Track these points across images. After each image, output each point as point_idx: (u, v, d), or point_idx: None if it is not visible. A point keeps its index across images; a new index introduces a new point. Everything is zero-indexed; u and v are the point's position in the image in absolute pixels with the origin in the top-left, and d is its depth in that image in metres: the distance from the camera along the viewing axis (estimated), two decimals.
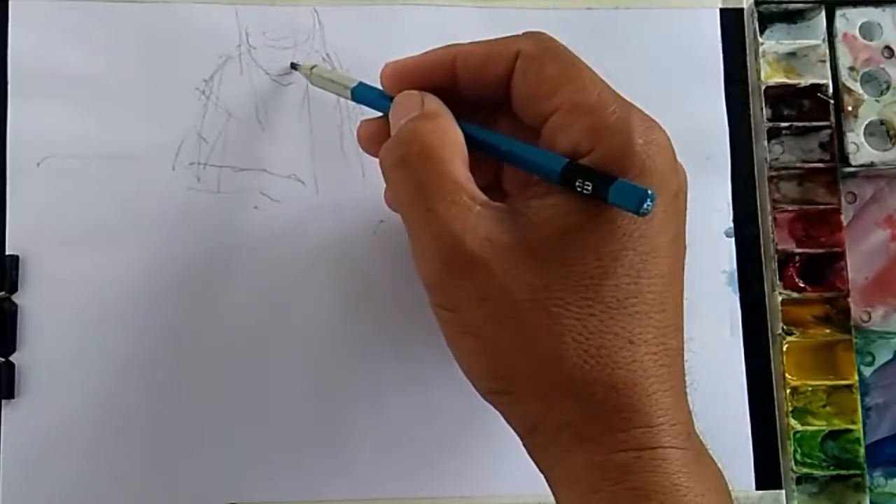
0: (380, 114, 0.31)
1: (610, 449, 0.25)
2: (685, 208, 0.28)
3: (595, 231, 0.25)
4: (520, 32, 0.29)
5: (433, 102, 0.28)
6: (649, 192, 0.24)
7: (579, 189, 0.25)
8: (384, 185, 0.29)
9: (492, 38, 0.29)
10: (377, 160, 0.28)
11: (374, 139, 0.30)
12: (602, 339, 0.25)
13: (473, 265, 0.26)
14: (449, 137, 0.27)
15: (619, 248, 0.25)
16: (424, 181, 0.26)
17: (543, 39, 0.28)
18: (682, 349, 0.27)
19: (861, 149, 0.38)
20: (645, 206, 0.24)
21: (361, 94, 0.32)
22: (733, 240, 0.37)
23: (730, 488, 0.27)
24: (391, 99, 0.30)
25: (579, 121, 0.26)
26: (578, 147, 0.26)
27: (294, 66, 0.36)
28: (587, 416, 0.25)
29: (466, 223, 0.26)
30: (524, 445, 0.27)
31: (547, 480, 0.27)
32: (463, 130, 0.28)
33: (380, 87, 0.31)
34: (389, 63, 0.30)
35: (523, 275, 0.25)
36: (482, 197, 0.27)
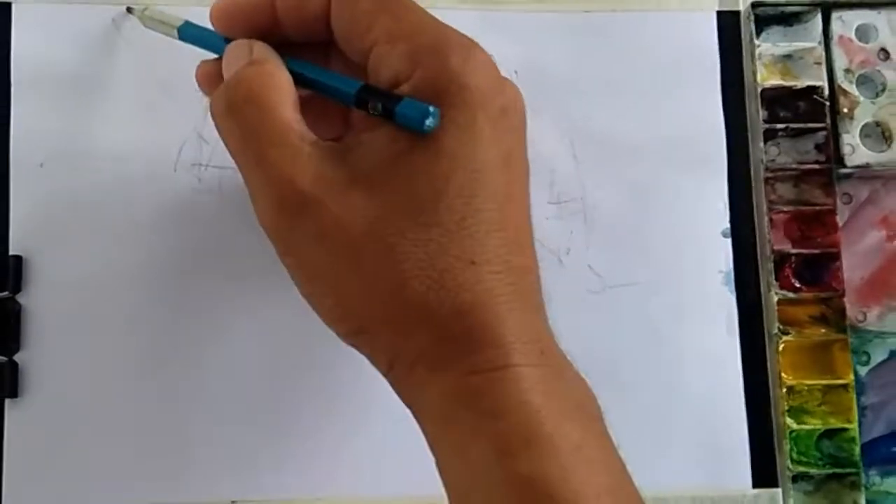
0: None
1: (461, 373, 0.25)
2: (519, 127, 0.28)
3: (423, 154, 0.25)
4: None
5: (262, 49, 0.28)
6: (430, 108, 0.24)
7: (372, 112, 0.26)
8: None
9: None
10: None
11: (213, 80, 0.30)
12: (443, 262, 0.25)
13: (306, 204, 0.25)
14: (275, 81, 0.27)
15: (448, 168, 0.25)
16: (252, 126, 0.26)
17: None
18: (533, 267, 0.27)
19: (857, 150, 0.38)
20: (427, 122, 0.24)
21: (189, 33, 0.32)
22: (730, 240, 0.37)
23: (598, 407, 0.26)
24: (220, 38, 0.30)
25: (396, 48, 0.26)
26: (398, 75, 0.26)
27: (129, 10, 0.36)
28: (437, 342, 0.25)
29: (296, 163, 0.26)
30: (390, 384, 0.27)
31: (414, 417, 0.27)
32: (290, 69, 0.28)
33: (209, 28, 0.31)
34: (216, 2, 0.30)
35: (357, 207, 0.25)
36: (311, 137, 0.26)
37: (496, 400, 0.24)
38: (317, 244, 0.26)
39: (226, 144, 0.28)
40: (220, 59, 0.30)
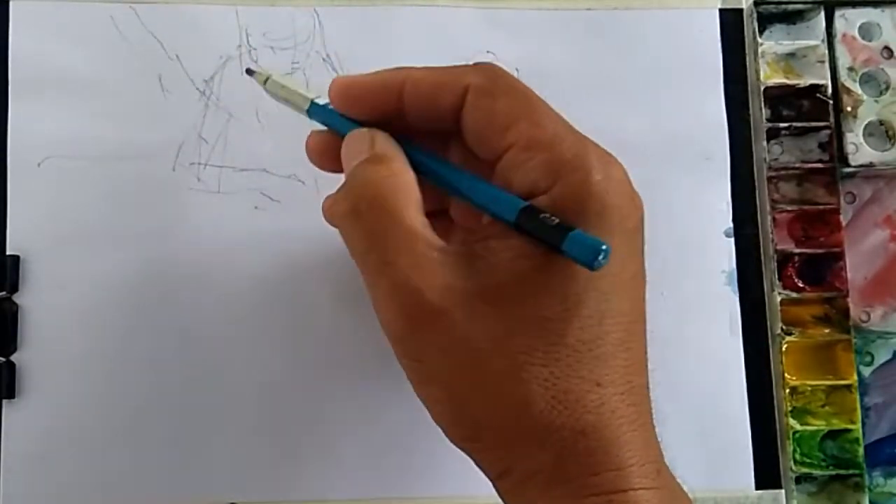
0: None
1: (580, 494, 0.24)
2: (643, 242, 0.27)
3: (556, 273, 0.25)
4: (471, 64, 0.28)
5: (384, 143, 0.27)
6: (603, 247, 0.23)
7: (538, 239, 0.25)
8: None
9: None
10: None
11: (324, 151, 0.30)
12: (569, 383, 0.24)
13: (434, 316, 0.25)
14: (402, 182, 0.26)
15: (582, 289, 0.25)
16: (378, 232, 0.26)
17: (495, 72, 0.27)
18: (648, 385, 0.27)
19: (860, 149, 0.38)
20: (599, 259, 0.23)
21: (317, 113, 0.30)
22: (733, 240, 0.37)
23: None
24: (348, 123, 0.28)
25: (535, 158, 0.26)
26: (535, 185, 0.25)
27: (249, 73, 0.32)
28: (556, 461, 0.25)
29: (424, 273, 0.25)
30: (495, 489, 0.27)
31: None
32: (417, 163, 0.27)
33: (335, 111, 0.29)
34: (338, 78, 0.29)
35: (485, 322, 0.25)
36: (439, 243, 0.26)
37: None
38: (442, 355, 0.25)
39: (348, 245, 0.27)
40: (332, 132, 0.29)
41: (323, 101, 0.29)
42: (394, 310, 0.25)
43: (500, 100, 0.26)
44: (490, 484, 0.35)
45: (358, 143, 0.28)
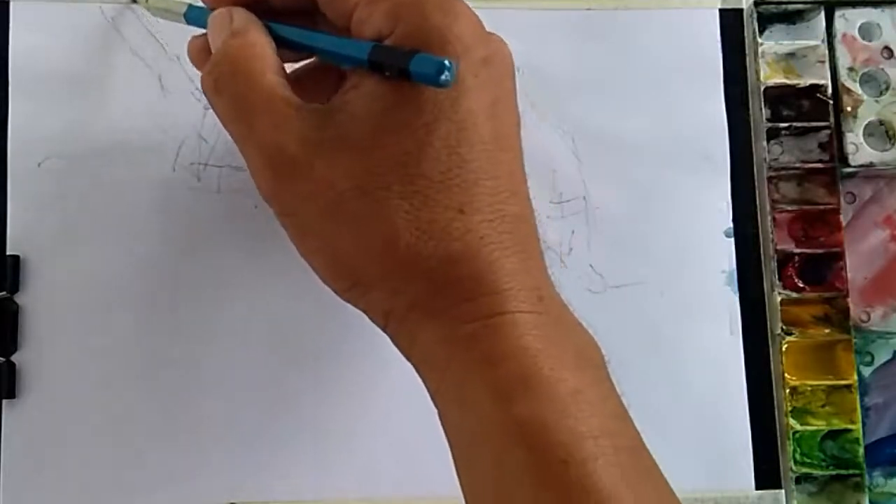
0: None
1: (456, 321, 0.25)
2: (504, 77, 0.28)
3: (405, 107, 0.26)
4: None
5: (241, 18, 0.28)
6: (446, 61, 0.24)
7: (387, 74, 0.26)
8: None
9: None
10: None
11: (202, 51, 0.31)
12: (432, 213, 0.25)
13: (297, 166, 0.26)
14: (257, 50, 0.28)
15: (432, 119, 0.25)
16: (240, 98, 0.27)
17: None
18: (529, 215, 0.27)
19: (860, 149, 0.38)
20: (444, 75, 0.24)
21: (194, 16, 0.32)
22: (733, 240, 0.37)
23: (601, 356, 0.27)
24: None
25: (378, 7, 0.26)
26: (381, 33, 0.26)
27: (134, 0, 0.36)
28: (431, 292, 0.26)
29: (285, 129, 0.26)
30: (388, 337, 0.28)
31: (414, 369, 0.27)
32: (274, 34, 0.28)
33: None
34: None
35: (344, 166, 0.26)
36: (297, 101, 0.27)
37: (493, 346, 0.25)
38: (308, 203, 0.26)
39: (219, 118, 0.28)
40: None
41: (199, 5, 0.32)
42: (262, 168, 0.27)
43: None
44: None
45: (219, 22, 0.29)
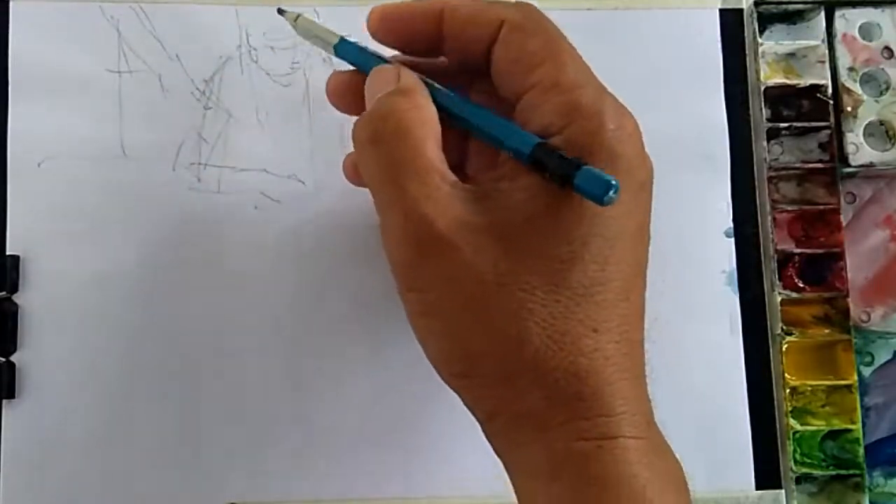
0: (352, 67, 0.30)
1: (570, 437, 0.25)
2: (650, 201, 0.28)
3: (564, 215, 0.25)
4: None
5: (409, 78, 0.28)
6: (613, 181, 0.24)
7: (547, 175, 0.25)
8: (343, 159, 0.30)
9: (480, 0, 0.28)
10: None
11: (344, 92, 0.30)
12: (566, 325, 0.25)
13: (442, 246, 0.25)
14: (423, 115, 0.27)
15: (588, 232, 0.25)
16: (397, 160, 0.26)
17: (531, 9, 0.28)
18: (643, 341, 0.27)
19: (860, 149, 0.38)
20: (609, 195, 0.24)
21: (346, 51, 0.30)
22: (733, 240, 0.37)
23: (686, 482, 0.27)
24: (373, 56, 0.29)
25: (553, 99, 0.26)
26: (550, 126, 0.26)
27: (280, 12, 0.33)
28: (548, 403, 0.25)
29: (437, 204, 0.25)
30: (483, 431, 0.27)
31: (505, 467, 0.27)
32: (439, 102, 0.27)
33: (362, 45, 0.30)
34: (377, 7, 0.29)
35: (491, 257, 0.25)
36: (453, 178, 0.26)
37: (604, 468, 0.25)
38: (444, 285, 0.26)
39: (364, 172, 0.27)
40: (355, 72, 0.30)
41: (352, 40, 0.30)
42: (403, 237, 0.26)
43: (532, 38, 0.27)
44: (490, 483, 0.35)
45: (384, 76, 0.28)
